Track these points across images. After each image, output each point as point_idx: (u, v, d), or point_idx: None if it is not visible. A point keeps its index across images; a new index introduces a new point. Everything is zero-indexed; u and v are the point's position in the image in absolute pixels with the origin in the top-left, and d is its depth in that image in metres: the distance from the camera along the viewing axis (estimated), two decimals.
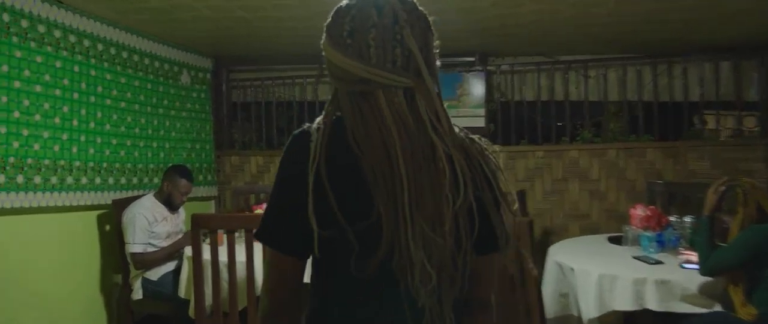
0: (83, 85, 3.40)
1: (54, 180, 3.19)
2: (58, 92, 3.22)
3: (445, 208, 0.90)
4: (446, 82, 4.38)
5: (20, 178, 2.99)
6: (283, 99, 4.79)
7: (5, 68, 2.92)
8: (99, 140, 3.51)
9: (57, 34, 3.21)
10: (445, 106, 0.97)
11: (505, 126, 4.42)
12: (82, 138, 3.39)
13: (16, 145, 2.97)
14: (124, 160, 3.71)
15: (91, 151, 3.45)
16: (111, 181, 3.59)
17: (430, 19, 1.00)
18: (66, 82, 3.28)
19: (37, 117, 3.10)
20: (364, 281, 0.90)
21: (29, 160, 3.05)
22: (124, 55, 3.73)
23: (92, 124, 3.46)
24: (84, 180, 3.39)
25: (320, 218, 0.90)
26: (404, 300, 0.90)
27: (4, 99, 2.91)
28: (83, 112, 3.39)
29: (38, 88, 3.10)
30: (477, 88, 4.35)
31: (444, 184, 0.90)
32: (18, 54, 2.98)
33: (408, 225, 0.88)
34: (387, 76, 0.93)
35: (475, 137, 1.03)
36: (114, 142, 3.63)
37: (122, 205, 3.45)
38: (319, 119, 0.99)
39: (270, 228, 0.98)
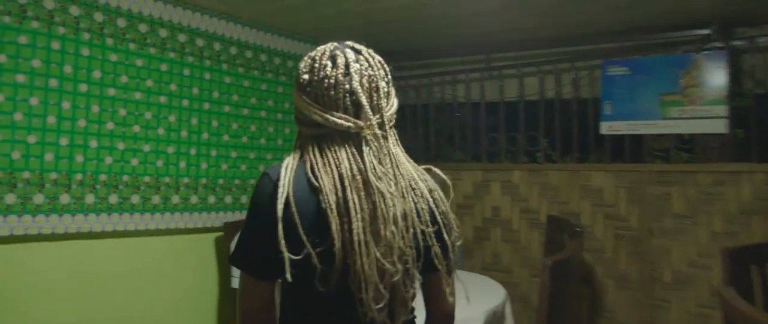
0: (195, 90, 2.97)
1: (156, 199, 2.80)
2: (163, 99, 2.83)
3: (392, 238, 1.04)
4: (665, 67, 3.03)
5: (114, 198, 2.64)
6: (444, 100, 3.90)
7: (97, 74, 2.59)
8: (214, 153, 3.06)
9: (163, 33, 2.83)
10: (397, 146, 1.14)
11: (765, 130, 2.89)
12: (192, 151, 2.96)
13: (109, 160, 2.63)
14: (247, 175, 3.23)
15: (204, 166, 3.01)
16: (228, 199, 3.12)
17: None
18: (173, 87, 2.88)
19: (136, 128, 2.73)
20: (325, 298, 1.04)
21: (125, 177, 2.69)
22: (249, 54, 3.24)
23: (205, 135, 3.02)
24: (194, 199, 2.96)
25: (288, 244, 1.02)
26: (359, 316, 1.04)
27: (96, 109, 2.58)
28: (194, 121, 2.97)
29: (138, 96, 2.74)
30: (714, 74, 2.91)
31: (388, 218, 1.04)
32: (113, 58, 2.64)
33: (361, 251, 1.02)
34: (336, 121, 1.08)
35: (427, 176, 1.18)
36: (234, 154, 3.16)
37: (235, 228, 2.95)
38: (287, 159, 1.12)
39: (245, 254, 1.12)
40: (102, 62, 2.60)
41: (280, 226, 1.02)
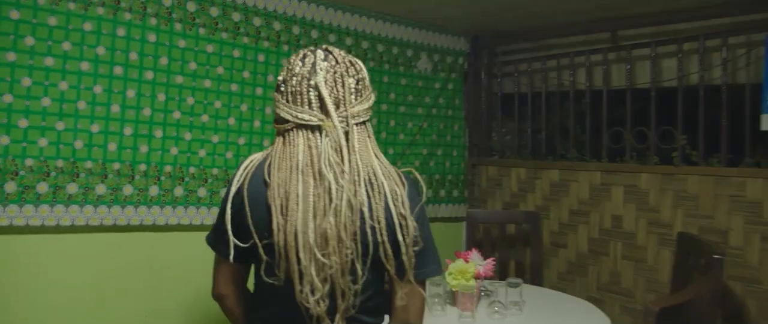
0: (270, 78, 2.78)
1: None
2: (234, 87, 2.68)
3: (329, 230, 1.08)
4: None
5: (179, 191, 2.54)
6: (561, 87, 3.33)
7: (164, 61, 2.49)
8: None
9: (236, 17, 2.67)
10: (367, 141, 1.18)
11: None
12: (266, 143, 2.78)
13: (174, 151, 2.53)
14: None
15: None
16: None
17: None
18: (246, 74, 2.71)
19: (205, 118, 2.60)
20: (278, 288, 1.13)
21: (192, 169, 2.58)
22: (332, 38, 2.99)
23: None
24: None
25: (243, 233, 1.14)
26: (301, 305, 1.11)
27: (162, 97, 2.49)
28: (268, 110, 2.78)
29: (207, 83, 2.60)
30: None
31: (328, 209, 1.09)
32: (182, 44, 2.53)
33: (297, 243, 1.08)
34: (299, 115, 1.14)
35: (396, 176, 1.18)
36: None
37: None
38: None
39: (214, 235, 1.27)
40: (169, 49, 2.50)
41: (227, 214, 1.16)
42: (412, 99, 3.32)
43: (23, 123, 2.19)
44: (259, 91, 2.75)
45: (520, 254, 3.09)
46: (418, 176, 1.23)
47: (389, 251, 1.13)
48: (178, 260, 2.57)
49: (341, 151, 1.12)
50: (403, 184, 1.17)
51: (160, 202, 2.50)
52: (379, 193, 1.13)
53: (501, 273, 2.93)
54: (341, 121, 1.14)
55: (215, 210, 2.61)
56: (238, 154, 2.70)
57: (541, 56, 3.33)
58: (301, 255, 1.08)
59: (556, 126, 3.40)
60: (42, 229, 2.25)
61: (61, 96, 2.26)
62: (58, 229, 2.28)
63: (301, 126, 1.15)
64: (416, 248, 1.16)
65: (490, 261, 2.25)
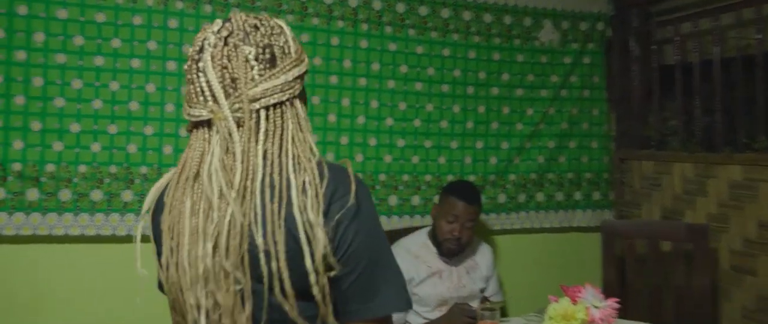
0: (482, 75, 2.59)
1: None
2: (445, 88, 2.54)
3: (202, 260, 0.84)
4: None
5: (393, 200, 2.48)
6: (740, 53, 2.41)
7: (376, 66, 2.43)
8: (506, 146, 2.65)
9: (445, 13, 2.51)
10: (269, 129, 0.88)
11: None
12: (479, 145, 2.62)
13: (388, 159, 2.47)
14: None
15: (494, 161, 2.63)
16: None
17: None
18: (457, 73, 2.56)
19: (417, 122, 2.51)
20: None
21: (405, 177, 2.51)
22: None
23: (495, 125, 2.63)
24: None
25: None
26: None
27: (375, 104, 2.44)
28: (481, 109, 2.60)
29: (419, 86, 2.50)
30: None
31: (207, 234, 0.85)
32: (392, 47, 2.45)
33: (183, 281, 0.86)
34: (189, 111, 0.90)
35: (315, 165, 0.88)
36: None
37: (392, 239, 2.29)
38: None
39: None
40: (381, 53, 2.42)
41: (137, 239, 0.92)
42: (533, 79, 2.68)
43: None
44: (470, 90, 2.58)
45: (682, 282, 2.29)
46: (351, 173, 0.90)
47: (287, 283, 0.83)
48: None
49: (235, 149, 0.86)
50: (322, 179, 0.87)
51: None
52: (281, 199, 0.84)
53: (654, 310, 2.19)
54: (235, 110, 0.87)
55: (402, 219, 2.44)
56: (451, 159, 2.56)
57: (713, 9, 2.44)
58: (186, 294, 0.86)
59: (738, 105, 2.46)
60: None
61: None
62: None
63: (197, 124, 0.91)
64: (345, 271, 0.86)
65: (612, 302, 1.59)
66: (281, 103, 0.90)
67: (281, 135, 0.89)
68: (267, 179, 0.86)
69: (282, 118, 0.90)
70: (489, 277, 2.24)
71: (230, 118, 0.86)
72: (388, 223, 2.42)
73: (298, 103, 0.93)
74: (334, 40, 2.35)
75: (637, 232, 2.41)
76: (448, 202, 2.10)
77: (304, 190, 0.85)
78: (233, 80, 0.88)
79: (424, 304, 2.11)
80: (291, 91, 0.91)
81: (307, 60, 0.96)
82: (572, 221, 2.76)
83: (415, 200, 2.47)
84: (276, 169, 0.86)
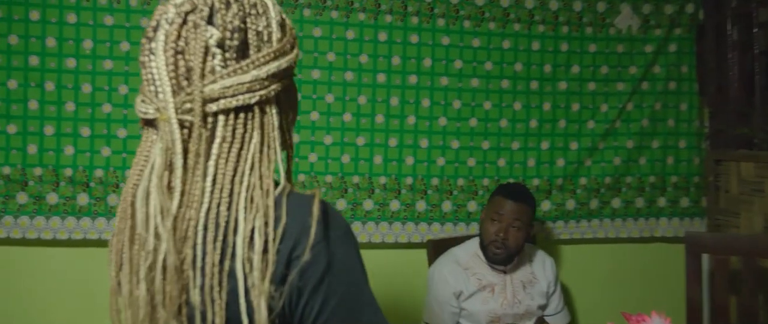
0: (547, 68, 2.36)
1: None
2: (505, 83, 2.33)
3: (142, 315, 0.71)
4: None
5: (447, 206, 2.30)
6: None
7: (428, 62, 2.27)
8: (575, 146, 2.38)
9: (504, 2, 2.30)
10: (226, 139, 0.71)
11: None
12: (544, 146, 2.37)
13: (441, 161, 2.28)
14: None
15: (561, 162, 2.37)
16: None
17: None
18: (518, 67, 2.32)
19: (473, 122, 2.32)
20: None
21: (461, 181, 2.30)
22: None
23: (562, 123, 2.37)
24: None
25: None
26: None
27: (427, 103, 2.28)
28: (547, 106, 2.35)
29: (475, 83, 2.31)
30: None
31: (145, 282, 0.70)
32: (445, 41, 2.26)
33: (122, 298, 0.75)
34: (137, 105, 0.74)
35: (262, 208, 0.69)
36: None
37: (439, 249, 2.13)
38: None
39: None
40: (433, 48, 2.24)
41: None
42: (608, 71, 2.39)
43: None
44: (533, 85, 2.33)
45: None
46: (316, 206, 0.72)
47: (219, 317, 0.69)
48: None
49: (175, 164, 0.69)
50: (278, 225, 0.69)
51: (427, 219, 2.31)
52: (225, 246, 0.68)
53: None
54: (185, 111, 0.70)
55: (457, 227, 2.27)
56: (511, 161, 2.33)
57: None
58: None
59: None
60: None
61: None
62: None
63: (147, 123, 0.75)
64: (275, 313, 0.69)
65: None
66: (248, 108, 0.71)
67: (239, 151, 0.70)
68: (213, 212, 0.69)
69: (245, 127, 0.71)
70: (550, 293, 2.01)
71: (174, 121, 0.69)
72: (441, 231, 2.26)
73: (272, 109, 0.73)
74: (382, 36, 2.19)
75: (728, 246, 2.07)
76: (493, 200, 1.94)
77: (252, 241, 0.68)
78: (188, 71, 0.70)
79: (473, 320, 1.93)
80: (263, 92, 0.71)
81: (294, 52, 0.77)
82: (655, 231, 2.44)
83: (472, 206, 2.27)
84: (225, 201, 0.69)
